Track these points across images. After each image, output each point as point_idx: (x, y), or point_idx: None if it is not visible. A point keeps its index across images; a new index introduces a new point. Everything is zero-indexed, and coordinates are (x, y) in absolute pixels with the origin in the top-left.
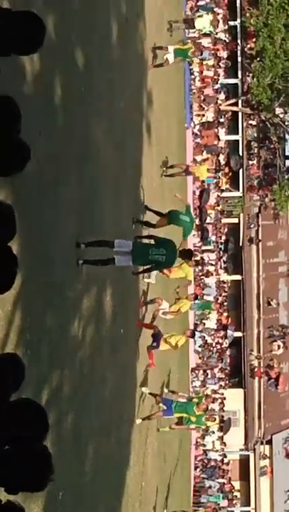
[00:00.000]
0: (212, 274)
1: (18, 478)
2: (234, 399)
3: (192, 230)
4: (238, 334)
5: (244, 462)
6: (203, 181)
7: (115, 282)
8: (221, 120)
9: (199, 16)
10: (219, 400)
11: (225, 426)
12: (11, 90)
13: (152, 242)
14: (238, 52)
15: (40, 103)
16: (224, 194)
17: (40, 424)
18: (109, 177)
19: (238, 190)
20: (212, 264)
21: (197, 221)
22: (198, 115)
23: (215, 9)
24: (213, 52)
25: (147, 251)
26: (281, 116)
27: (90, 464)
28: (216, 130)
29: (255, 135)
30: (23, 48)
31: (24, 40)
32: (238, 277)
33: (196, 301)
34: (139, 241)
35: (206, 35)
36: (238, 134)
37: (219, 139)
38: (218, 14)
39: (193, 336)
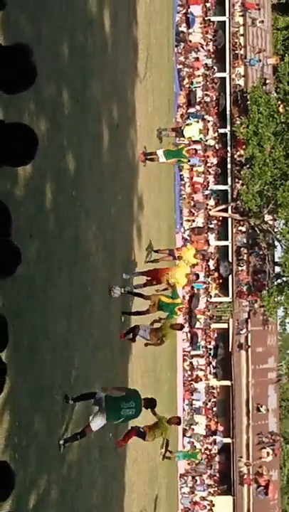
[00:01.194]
0: (201, 380)
1: None
2: (223, 506)
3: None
4: (227, 440)
5: None
6: (192, 287)
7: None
8: (211, 226)
9: (188, 125)
10: (208, 507)
11: None
12: (2, 193)
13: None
14: (228, 159)
15: (31, 206)
16: (213, 299)
17: None
18: (99, 279)
19: (228, 296)
20: (201, 369)
21: (186, 326)
22: (188, 220)
23: (205, 117)
24: (203, 158)
25: (119, 405)
26: (270, 222)
27: None
28: (205, 235)
29: (245, 241)
30: (14, 162)
31: (16, 155)
32: (227, 383)
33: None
34: (109, 396)
35: (196, 142)
36: (227, 239)
37: (209, 245)
38: (208, 122)
39: (179, 423)
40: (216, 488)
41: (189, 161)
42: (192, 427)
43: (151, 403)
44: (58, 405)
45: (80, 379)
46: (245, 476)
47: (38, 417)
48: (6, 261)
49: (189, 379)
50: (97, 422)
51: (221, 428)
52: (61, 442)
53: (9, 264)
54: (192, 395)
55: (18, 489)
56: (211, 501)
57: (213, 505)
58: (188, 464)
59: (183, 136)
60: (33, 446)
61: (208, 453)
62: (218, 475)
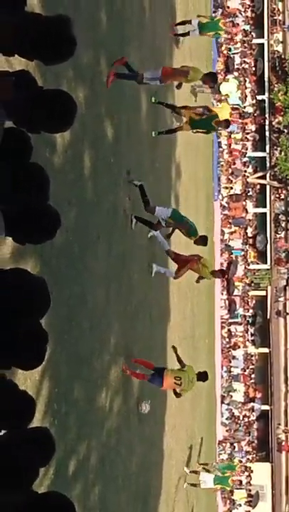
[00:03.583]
0: (239, 347)
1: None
2: (261, 473)
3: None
4: (266, 407)
5: None
6: (231, 252)
7: (143, 355)
8: (249, 193)
9: (225, 81)
10: (246, 473)
11: (253, 500)
12: (41, 160)
13: None
14: (266, 127)
15: (69, 173)
16: (252, 266)
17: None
18: (137, 247)
19: (266, 263)
20: (240, 337)
21: (224, 293)
22: (226, 188)
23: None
24: (241, 125)
25: None
26: None
27: None
28: (243, 203)
29: (283, 208)
30: (53, 129)
31: (55, 122)
32: (265, 350)
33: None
34: None
35: (234, 109)
36: (265, 207)
37: (247, 212)
38: (246, 88)
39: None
40: (254, 455)
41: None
42: (230, 393)
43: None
44: (96, 373)
45: (119, 346)
46: (284, 443)
47: (77, 385)
48: (45, 225)
49: (227, 346)
50: None
51: (259, 395)
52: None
53: (49, 228)
54: (230, 362)
55: (58, 455)
56: (250, 467)
57: (252, 472)
58: (227, 430)
59: (219, 93)
60: (72, 414)
61: (246, 420)
62: (256, 442)
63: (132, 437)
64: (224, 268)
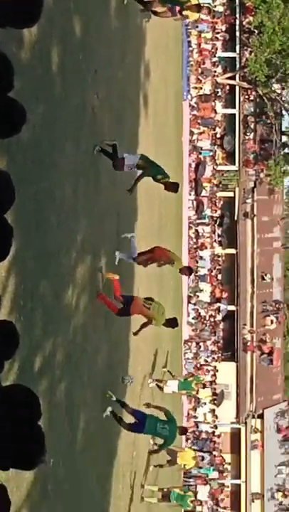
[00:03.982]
0: (206, 248)
1: (9, 457)
2: (226, 372)
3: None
4: (232, 308)
5: (235, 435)
6: (199, 153)
7: (111, 253)
8: (218, 93)
9: None
10: (212, 373)
11: (218, 399)
12: (8, 56)
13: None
14: (237, 27)
15: (37, 69)
16: (220, 168)
17: (34, 408)
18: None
19: (234, 164)
20: (207, 238)
21: (192, 194)
22: (196, 88)
23: None
24: (211, 25)
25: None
26: (278, 91)
27: (81, 432)
28: (212, 103)
29: (252, 110)
30: (19, 24)
31: (21, 16)
32: (232, 251)
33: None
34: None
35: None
36: (235, 108)
37: (216, 112)
38: None
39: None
40: (219, 355)
41: None
42: (197, 294)
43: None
44: (64, 269)
45: (87, 243)
46: (249, 344)
47: (44, 281)
48: (11, 119)
49: (194, 247)
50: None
51: (225, 295)
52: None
53: (14, 123)
54: (197, 262)
55: (23, 351)
56: (215, 367)
57: (217, 371)
58: (193, 330)
59: None
60: (38, 310)
61: (212, 320)
62: (222, 342)
63: (98, 335)
64: (191, 266)
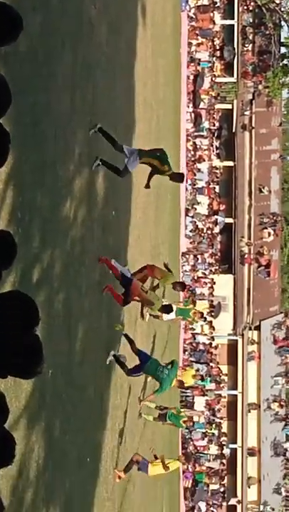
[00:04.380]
0: (204, 160)
1: (7, 366)
2: (224, 285)
3: None
4: (229, 220)
5: (232, 347)
6: (198, 64)
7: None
8: (217, 4)
9: None
10: (209, 285)
11: (215, 311)
12: None
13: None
14: None
15: None
16: (218, 79)
17: (31, 315)
18: (103, 57)
19: (233, 76)
20: (205, 150)
21: (190, 106)
22: None
23: None
24: None
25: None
26: (277, 1)
27: (79, 343)
28: (211, 14)
29: (251, 20)
30: None
31: None
32: (230, 164)
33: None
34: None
35: None
36: (233, 18)
37: (214, 23)
38: None
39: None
40: (217, 267)
41: None
42: (194, 206)
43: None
44: (61, 182)
45: (83, 156)
46: (246, 256)
47: (41, 193)
48: (6, 25)
49: (192, 159)
50: None
51: (222, 208)
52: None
53: (10, 28)
54: (195, 175)
55: (21, 263)
56: (212, 279)
57: (214, 283)
58: (191, 242)
59: None
60: (36, 222)
61: (210, 232)
62: (219, 254)
63: (96, 247)
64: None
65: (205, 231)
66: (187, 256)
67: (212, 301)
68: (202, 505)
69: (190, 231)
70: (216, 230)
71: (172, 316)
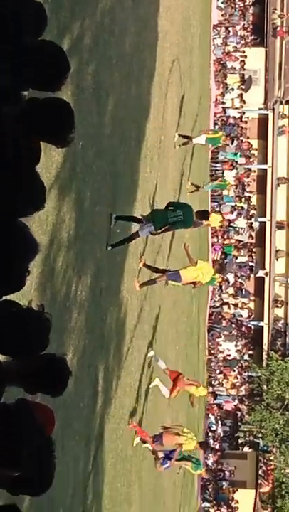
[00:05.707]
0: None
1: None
2: (255, 58)
3: None
4: None
5: (263, 121)
6: None
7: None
8: None
9: None
10: (240, 59)
11: (246, 84)
12: None
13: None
14: None
15: None
16: None
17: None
18: None
19: None
20: None
21: None
22: None
23: None
24: None
25: (166, 216)
26: None
27: (110, 115)
28: None
29: None
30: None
31: None
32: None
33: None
34: (157, 209)
35: None
36: None
37: None
38: None
39: None
40: (248, 40)
41: None
42: None
43: (203, 214)
44: None
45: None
46: (279, 29)
47: None
48: None
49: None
50: (145, 230)
51: None
52: (109, 248)
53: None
54: None
55: (52, 32)
56: (244, 52)
57: (246, 57)
58: (222, 14)
59: None
60: None
61: (242, 4)
62: (251, 26)
63: (126, 17)
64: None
65: (237, 2)
66: (218, 29)
67: (243, 74)
68: (230, 276)
69: (222, 2)
70: (249, 2)
71: (202, 141)
